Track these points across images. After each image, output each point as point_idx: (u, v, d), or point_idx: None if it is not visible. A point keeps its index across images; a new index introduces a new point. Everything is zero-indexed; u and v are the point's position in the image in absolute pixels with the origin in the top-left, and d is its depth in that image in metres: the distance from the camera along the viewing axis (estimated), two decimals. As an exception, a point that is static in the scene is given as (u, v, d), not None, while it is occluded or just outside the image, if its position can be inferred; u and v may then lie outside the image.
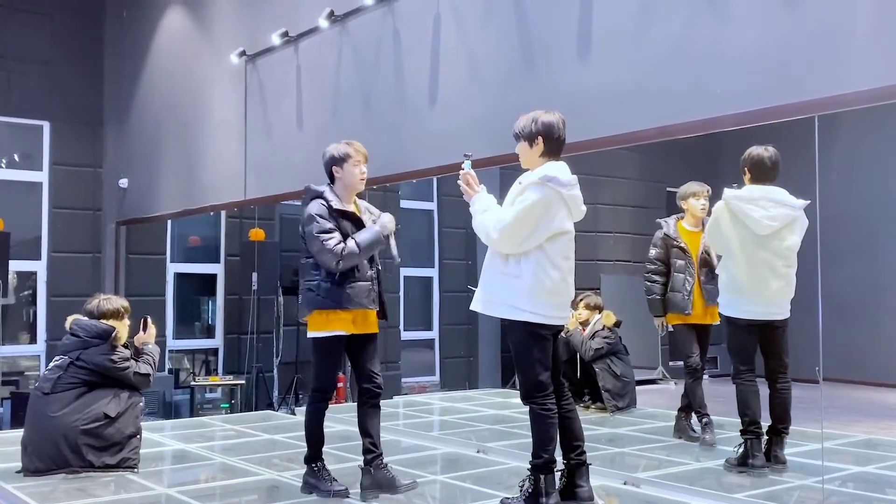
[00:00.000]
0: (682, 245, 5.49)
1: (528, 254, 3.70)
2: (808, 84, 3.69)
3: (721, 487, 4.47)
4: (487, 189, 3.94)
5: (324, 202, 4.09)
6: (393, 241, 4.18)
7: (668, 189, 8.30)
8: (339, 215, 4.10)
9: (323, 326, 4.07)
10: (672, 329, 5.60)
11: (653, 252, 5.62)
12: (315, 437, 4.22)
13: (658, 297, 5.57)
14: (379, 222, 4.19)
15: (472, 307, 3.91)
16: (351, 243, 4.03)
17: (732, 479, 4.57)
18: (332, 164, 4.19)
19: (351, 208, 4.18)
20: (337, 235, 4.02)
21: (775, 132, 4.53)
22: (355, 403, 4.26)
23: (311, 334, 4.12)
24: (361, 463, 4.19)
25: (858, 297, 6.16)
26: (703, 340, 5.52)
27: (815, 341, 4.04)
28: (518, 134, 3.86)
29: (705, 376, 5.66)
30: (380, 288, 4.24)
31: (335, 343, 4.11)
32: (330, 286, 4.04)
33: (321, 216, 4.04)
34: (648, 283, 5.65)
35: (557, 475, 3.82)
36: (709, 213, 5.13)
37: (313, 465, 4.21)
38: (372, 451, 4.14)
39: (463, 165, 3.93)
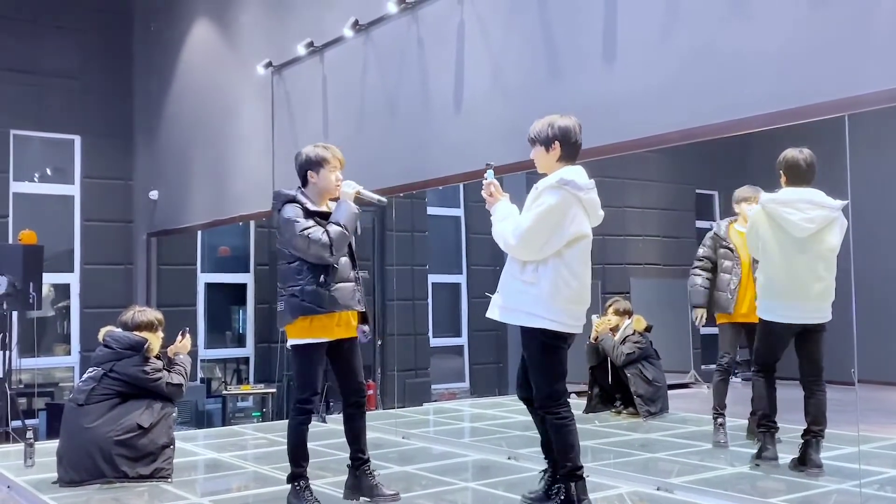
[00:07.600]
0: (731, 245, 5.48)
1: (546, 261, 3.65)
2: (836, 84, 3.65)
3: (756, 492, 4.41)
4: (512, 197, 3.88)
5: (297, 205, 4.00)
6: (366, 193, 4.03)
7: (698, 191, 8.23)
8: (315, 216, 3.99)
9: (306, 333, 3.98)
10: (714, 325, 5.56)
11: (701, 251, 5.62)
12: (297, 453, 4.05)
13: (701, 287, 5.54)
14: (340, 195, 4.06)
15: (489, 314, 3.87)
16: (331, 227, 3.91)
17: (768, 483, 4.52)
18: (308, 168, 4.07)
19: (324, 209, 4.07)
20: (319, 227, 3.92)
21: (807, 134, 4.47)
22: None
23: (292, 342, 4.03)
24: (349, 462, 4.23)
25: (895, 297, 6.05)
26: (751, 337, 5.49)
27: (850, 343, 3.97)
28: (534, 138, 3.80)
29: (738, 378, 5.62)
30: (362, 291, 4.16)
31: (319, 350, 4.02)
32: (315, 289, 3.93)
33: (298, 217, 3.94)
34: (692, 276, 5.63)
35: (544, 476, 3.86)
36: None
37: (296, 483, 4.04)
38: (359, 459, 4.18)
39: (485, 175, 3.86)
